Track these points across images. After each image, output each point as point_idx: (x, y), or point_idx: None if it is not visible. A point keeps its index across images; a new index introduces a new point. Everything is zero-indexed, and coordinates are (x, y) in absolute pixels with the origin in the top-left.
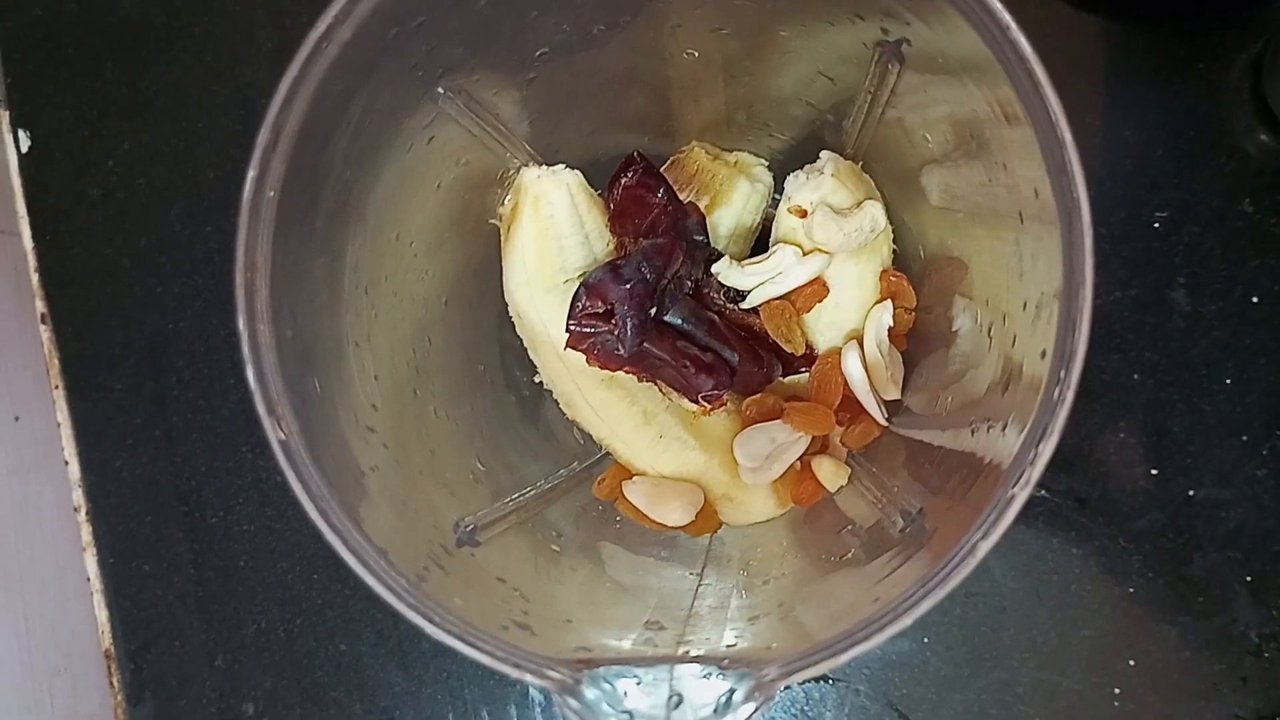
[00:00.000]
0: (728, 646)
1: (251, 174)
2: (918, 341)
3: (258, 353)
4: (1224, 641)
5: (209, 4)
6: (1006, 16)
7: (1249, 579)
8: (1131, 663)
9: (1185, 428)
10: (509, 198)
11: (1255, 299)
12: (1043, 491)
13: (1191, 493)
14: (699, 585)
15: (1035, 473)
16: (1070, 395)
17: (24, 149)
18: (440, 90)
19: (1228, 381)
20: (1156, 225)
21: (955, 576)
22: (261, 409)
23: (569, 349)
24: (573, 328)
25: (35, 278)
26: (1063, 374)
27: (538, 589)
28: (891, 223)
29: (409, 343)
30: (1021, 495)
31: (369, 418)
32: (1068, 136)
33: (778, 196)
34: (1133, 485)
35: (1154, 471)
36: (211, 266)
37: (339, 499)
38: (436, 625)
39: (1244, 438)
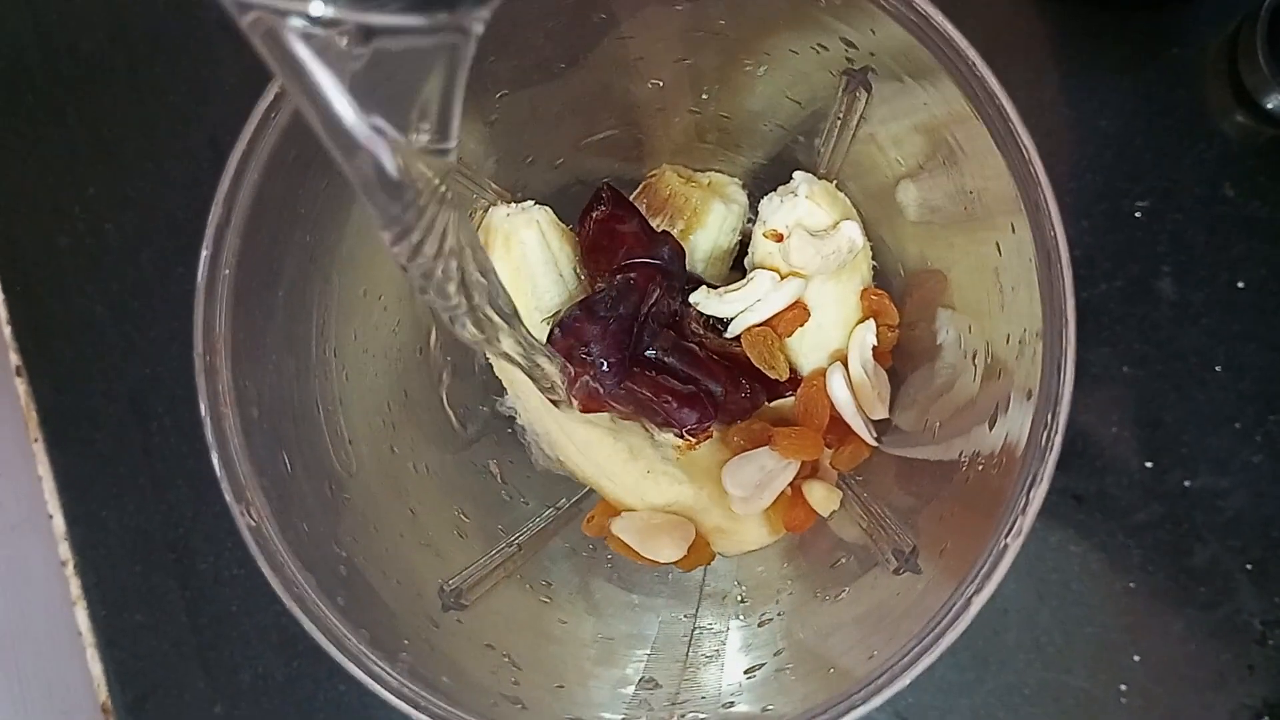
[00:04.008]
0: (724, 707)
1: (205, 253)
2: (904, 358)
3: (223, 438)
4: (1228, 631)
5: (169, 45)
6: (975, 58)
7: (1249, 567)
8: (1137, 658)
9: (1178, 418)
10: (480, 238)
11: (1241, 284)
12: None
13: (1188, 483)
14: (694, 629)
15: (1027, 521)
16: (1058, 440)
17: None
18: None
19: (1218, 369)
20: (1139, 215)
21: (951, 633)
22: (229, 496)
23: None
24: None
25: (8, 330)
26: (1049, 418)
27: (528, 651)
28: (870, 240)
29: (384, 398)
30: (1015, 545)
31: (345, 486)
32: (1043, 175)
33: (754, 214)
34: (1129, 479)
35: (1149, 464)
36: (188, 309)
37: (316, 580)
38: (422, 710)
39: (1237, 425)
